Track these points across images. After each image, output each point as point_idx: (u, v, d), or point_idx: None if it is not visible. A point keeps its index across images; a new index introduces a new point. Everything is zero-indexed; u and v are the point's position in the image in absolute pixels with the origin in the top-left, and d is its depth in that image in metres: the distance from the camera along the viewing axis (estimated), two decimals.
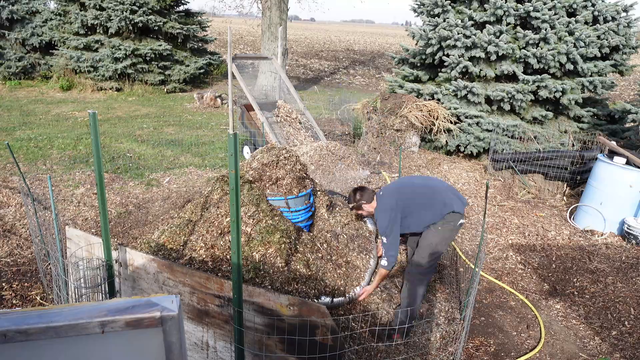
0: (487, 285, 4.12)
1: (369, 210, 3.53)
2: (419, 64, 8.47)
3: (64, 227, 3.30)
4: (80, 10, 13.11)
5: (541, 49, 7.09)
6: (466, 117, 7.39)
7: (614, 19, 7.22)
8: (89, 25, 12.98)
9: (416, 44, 8.33)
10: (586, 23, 7.30)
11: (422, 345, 3.19)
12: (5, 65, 12.99)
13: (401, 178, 3.98)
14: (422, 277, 3.32)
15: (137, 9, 12.70)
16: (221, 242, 3.21)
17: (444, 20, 7.63)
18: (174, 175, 6.34)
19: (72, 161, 6.61)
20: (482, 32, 7.22)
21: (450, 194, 3.37)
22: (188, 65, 13.81)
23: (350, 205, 3.61)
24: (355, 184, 6.00)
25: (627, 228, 5.00)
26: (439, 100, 7.63)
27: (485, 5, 7.43)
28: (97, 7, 12.86)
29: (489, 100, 7.47)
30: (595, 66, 7.16)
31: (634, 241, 4.95)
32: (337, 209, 4.07)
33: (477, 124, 7.32)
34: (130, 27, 12.79)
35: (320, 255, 3.45)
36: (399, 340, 3.13)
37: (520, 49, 7.25)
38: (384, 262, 3.28)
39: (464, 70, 7.44)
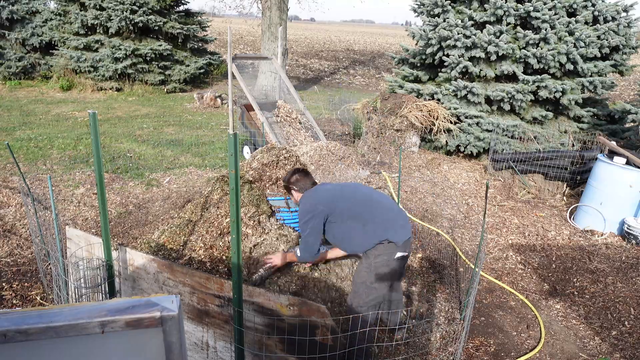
0: (487, 285, 4.12)
1: (296, 198, 3.16)
2: (419, 64, 8.47)
3: (64, 227, 3.30)
4: (80, 10, 13.12)
5: (541, 49, 7.09)
6: (466, 117, 7.39)
7: (614, 19, 7.23)
8: (89, 25, 12.98)
9: (416, 44, 8.33)
10: (586, 23, 7.30)
11: (422, 345, 3.19)
12: (6, 65, 12.99)
13: (347, 183, 3.33)
14: (360, 312, 2.84)
15: (137, 9, 12.71)
16: (220, 243, 3.21)
17: (444, 20, 7.63)
18: (174, 175, 6.34)
19: (72, 161, 6.60)
20: (482, 32, 7.22)
21: (400, 221, 2.90)
22: (188, 65, 13.81)
23: (283, 183, 3.30)
24: None
25: (627, 228, 5.00)
26: (439, 100, 7.63)
27: (485, 5, 7.43)
28: (97, 7, 12.87)
29: (489, 101, 7.47)
30: (595, 66, 7.16)
31: (634, 241, 4.95)
32: None
33: (477, 124, 7.32)
34: (131, 27, 12.79)
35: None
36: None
37: (520, 49, 7.25)
38: (298, 252, 2.97)
39: (464, 70, 7.45)
